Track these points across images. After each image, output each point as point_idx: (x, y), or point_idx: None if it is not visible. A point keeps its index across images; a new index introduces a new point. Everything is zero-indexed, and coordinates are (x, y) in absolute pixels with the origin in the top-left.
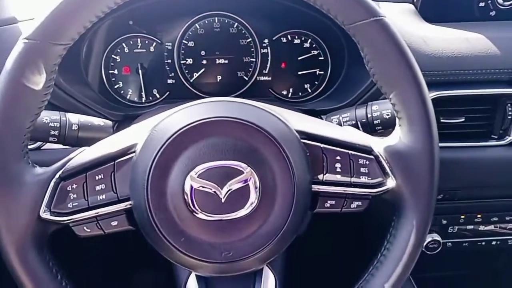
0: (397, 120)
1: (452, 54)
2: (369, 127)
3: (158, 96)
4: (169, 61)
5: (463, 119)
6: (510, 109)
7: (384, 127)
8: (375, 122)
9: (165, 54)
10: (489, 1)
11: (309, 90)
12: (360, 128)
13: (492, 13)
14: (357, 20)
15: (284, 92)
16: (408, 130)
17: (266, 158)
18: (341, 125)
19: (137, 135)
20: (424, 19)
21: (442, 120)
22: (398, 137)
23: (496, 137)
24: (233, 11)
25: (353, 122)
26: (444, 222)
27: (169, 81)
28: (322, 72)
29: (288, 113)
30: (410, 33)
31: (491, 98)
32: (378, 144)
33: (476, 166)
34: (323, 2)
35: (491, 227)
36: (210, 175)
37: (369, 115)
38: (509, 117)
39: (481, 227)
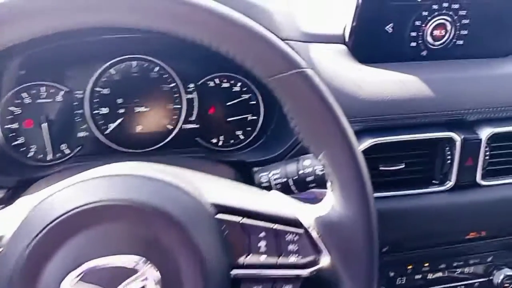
0: (328, 183)
1: (387, 98)
2: (302, 185)
3: (67, 152)
4: (80, 111)
5: (403, 165)
6: (449, 152)
7: (318, 184)
8: (308, 179)
9: (75, 103)
10: (420, 41)
11: (242, 137)
12: (292, 187)
13: (424, 53)
14: (276, 72)
15: (214, 141)
16: (341, 196)
17: (168, 249)
18: (270, 183)
19: (6, 223)
20: (357, 60)
21: (381, 168)
22: (331, 205)
23: (437, 182)
24: (153, 54)
25: (284, 180)
26: (392, 274)
27: (81, 134)
28: (254, 118)
29: (203, 180)
30: (343, 76)
31: (430, 142)
32: (308, 214)
33: (420, 215)
34: (235, 52)
35: (439, 274)
36: (96, 277)
37: (300, 171)
38: (449, 161)
39: (430, 276)
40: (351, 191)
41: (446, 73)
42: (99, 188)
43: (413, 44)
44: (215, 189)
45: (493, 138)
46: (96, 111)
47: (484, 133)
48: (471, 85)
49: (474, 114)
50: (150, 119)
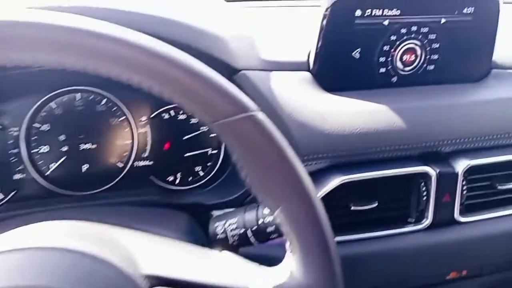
0: (287, 244)
1: (355, 130)
2: (262, 236)
3: (0, 197)
4: (16, 150)
5: (375, 204)
6: (424, 188)
7: (280, 235)
8: (269, 229)
9: (10, 142)
10: (390, 67)
11: (201, 174)
12: (251, 238)
13: (394, 79)
14: (220, 117)
15: (170, 179)
16: (301, 261)
17: None
18: (227, 235)
19: None
20: (323, 88)
21: (352, 208)
22: (290, 271)
23: (413, 221)
24: (99, 85)
25: (242, 230)
26: None
27: (17, 176)
28: (215, 151)
29: (141, 243)
30: (307, 107)
31: (404, 177)
32: (263, 283)
33: (396, 258)
34: (171, 94)
35: None
36: None
37: (260, 221)
38: (424, 198)
39: None
40: (312, 256)
41: (418, 101)
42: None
43: (382, 70)
44: (154, 254)
45: (470, 171)
46: (35, 150)
47: (461, 165)
48: (445, 114)
49: (449, 145)
50: (98, 157)
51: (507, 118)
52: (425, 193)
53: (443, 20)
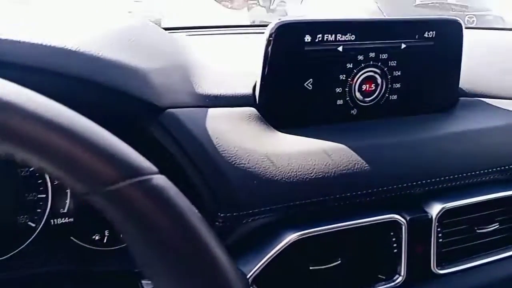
0: None
1: (310, 175)
2: None
3: None
4: None
5: (338, 261)
6: (394, 239)
7: None
8: None
9: None
10: (348, 99)
11: None
12: None
13: (354, 112)
14: (97, 186)
15: (96, 237)
16: None
17: None
18: None
19: None
20: (271, 126)
21: (311, 268)
22: None
23: (384, 277)
24: None
25: None
26: None
27: None
28: None
29: None
30: (251, 150)
31: (370, 228)
32: None
33: None
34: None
35: None
36: None
37: None
38: (396, 250)
39: None
40: None
41: (382, 137)
42: None
43: (340, 102)
44: None
45: (445, 215)
46: None
47: (434, 210)
48: (413, 151)
49: (419, 187)
50: (3, 215)
51: (480, 153)
52: (395, 245)
53: (403, 45)
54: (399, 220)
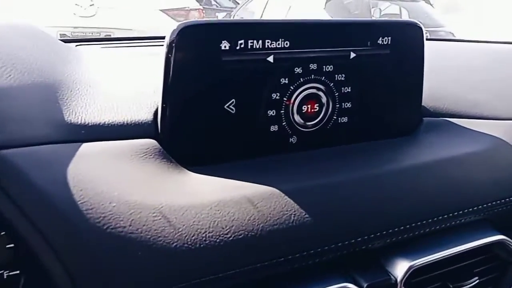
0: None
1: (230, 236)
2: None
3: None
4: None
5: None
6: None
7: None
8: None
9: None
10: (284, 123)
11: None
12: None
13: (292, 140)
14: None
15: None
16: None
17: None
18: None
19: None
20: (178, 163)
21: None
22: None
23: None
24: None
25: None
26: None
27: None
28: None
29: None
30: (138, 205)
31: None
32: None
33: None
34: None
35: None
36: None
37: None
38: None
39: None
40: None
41: (329, 174)
42: None
43: (274, 128)
44: None
45: (413, 275)
46: None
47: (399, 270)
48: (368, 192)
49: (378, 240)
50: None
51: (452, 189)
52: None
53: (352, 55)
54: None
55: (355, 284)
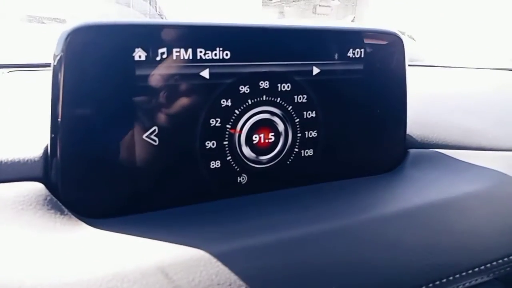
0: None
1: None
2: None
3: None
4: None
5: None
6: None
7: None
8: None
9: None
10: (229, 158)
11: None
12: None
13: (242, 180)
14: None
15: None
16: None
17: None
18: None
19: None
20: (75, 216)
21: None
22: None
23: None
24: None
25: None
26: None
27: None
28: None
29: None
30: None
31: None
32: None
33: None
34: None
35: None
36: None
37: None
38: None
39: None
40: None
41: (285, 226)
42: None
43: (215, 164)
44: None
45: None
46: None
47: None
48: (337, 252)
49: None
50: None
51: (452, 242)
52: None
53: (315, 70)
54: None
55: None
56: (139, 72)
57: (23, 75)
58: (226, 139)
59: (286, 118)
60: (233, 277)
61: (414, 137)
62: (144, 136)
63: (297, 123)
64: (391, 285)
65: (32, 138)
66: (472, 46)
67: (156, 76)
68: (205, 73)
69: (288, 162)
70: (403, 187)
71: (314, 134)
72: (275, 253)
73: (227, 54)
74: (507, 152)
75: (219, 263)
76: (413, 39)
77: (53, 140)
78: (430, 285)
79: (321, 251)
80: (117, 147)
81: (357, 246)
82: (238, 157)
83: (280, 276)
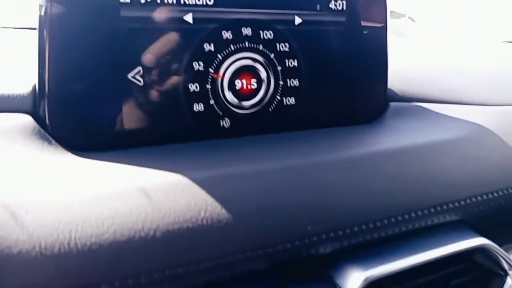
0: None
1: (96, 241)
2: None
3: None
4: None
5: None
6: None
7: None
8: None
9: None
10: (212, 102)
11: None
12: None
13: (225, 124)
14: None
15: None
16: None
17: None
18: None
19: None
20: (60, 145)
21: None
22: None
23: None
24: None
25: None
26: None
27: None
28: None
29: None
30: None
31: None
32: None
33: None
34: None
35: None
36: None
37: None
38: None
39: None
40: None
41: (260, 161)
42: None
43: (198, 107)
44: None
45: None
46: None
47: (352, 282)
48: (315, 183)
49: (325, 244)
50: None
51: (421, 181)
52: None
53: (297, 20)
54: None
55: None
56: (124, 13)
57: (15, 33)
58: (209, 83)
59: (268, 65)
60: (210, 200)
61: (396, 91)
62: (129, 76)
63: (280, 71)
64: (360, 217)
65: (22, 77)
66: (470, 28)
67: (140, 18)
68: (189, 17)
69: (270, 109)
70: (382, 134)
71: (296, 83)
72: (251, 181)
73: (210, 0)
74: (486, 107)
75: (197, 188)
76: (413, 20)
77: (41, 76)
78: (399, 217)
79: (294, 183)
80: (103, 84)
81: (330, 181)
82: (221, 101)
83: (253, 202)
